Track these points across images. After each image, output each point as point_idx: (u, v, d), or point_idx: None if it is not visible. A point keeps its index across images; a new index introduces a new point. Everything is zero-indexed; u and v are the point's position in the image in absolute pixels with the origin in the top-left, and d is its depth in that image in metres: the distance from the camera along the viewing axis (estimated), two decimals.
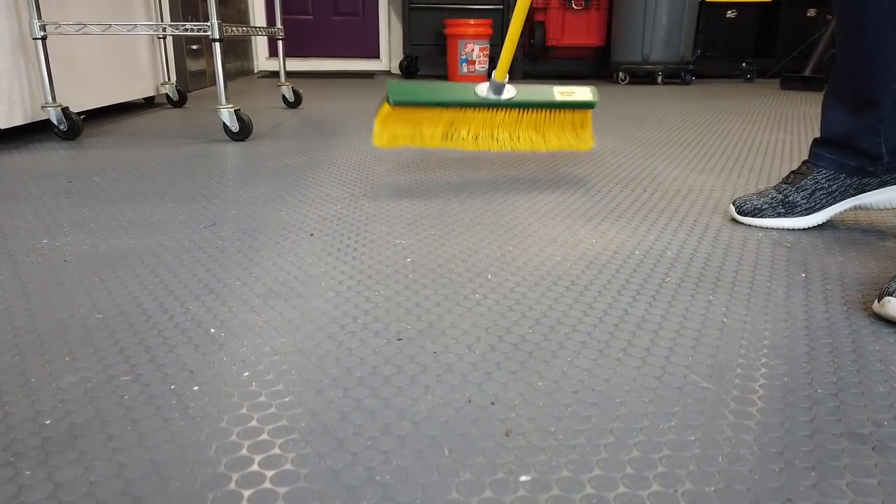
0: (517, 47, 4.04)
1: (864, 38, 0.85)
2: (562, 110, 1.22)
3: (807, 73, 3.36)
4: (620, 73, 3.69)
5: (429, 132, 1.18)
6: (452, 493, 0.40)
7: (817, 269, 0.79)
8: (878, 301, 0.65)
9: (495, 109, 1.19)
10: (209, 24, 1.58)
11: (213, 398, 0.50)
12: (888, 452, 0.44)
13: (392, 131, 1.17)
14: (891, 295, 0.64)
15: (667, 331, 0.62)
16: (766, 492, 0.40)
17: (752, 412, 0.48)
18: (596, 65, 4.13)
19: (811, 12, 3.98)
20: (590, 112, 1.24)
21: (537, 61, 4.10)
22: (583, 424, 0.47)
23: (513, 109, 1.19)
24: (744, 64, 3.97)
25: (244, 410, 0.48)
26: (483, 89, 1.16)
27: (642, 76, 3.73)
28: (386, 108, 1.15)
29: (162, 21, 2.35)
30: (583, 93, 1.22)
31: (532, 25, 3.96)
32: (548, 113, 1.22)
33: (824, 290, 0.72)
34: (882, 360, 0.57)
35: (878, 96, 0.86)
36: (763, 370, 0.55)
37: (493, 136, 1.20)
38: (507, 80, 1.16)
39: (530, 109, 1.20)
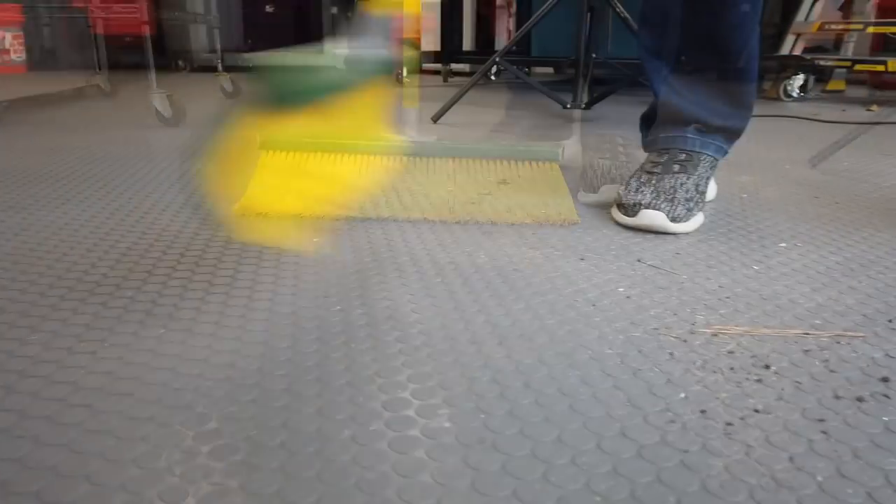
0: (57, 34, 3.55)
1: None
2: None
3: None
4: (180, 62, 3.81)
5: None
6: None
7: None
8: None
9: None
10: (136, 5, 1.59)
11: None
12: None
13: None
14: (616, 206, 0.85)
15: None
16: (362, 378, 0.47)
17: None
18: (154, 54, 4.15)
19: (334, 11, 4.24)
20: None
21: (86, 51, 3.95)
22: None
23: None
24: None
25: None
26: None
27: (202, 64, 3.82)
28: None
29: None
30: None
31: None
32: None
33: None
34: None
35: None
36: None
37: None
38: None
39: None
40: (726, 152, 0.91)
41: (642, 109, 0.96)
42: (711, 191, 0.96)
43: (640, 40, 0.91)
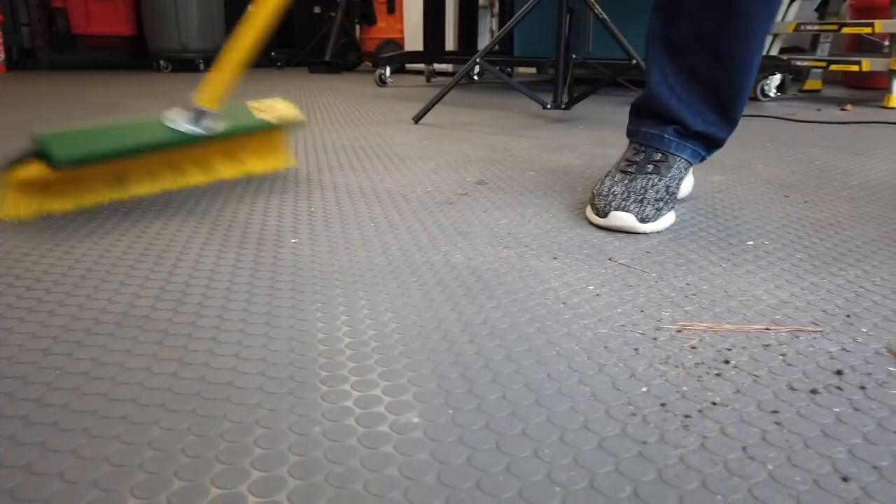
0: (36, 34, 3.64)
1: None
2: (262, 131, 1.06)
3: (327, 59, 3.92)
4: (161, 62, 3.84)
5: (103, 185, 0.92)
6: None
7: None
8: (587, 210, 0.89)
9: (191, 144, 0.93)
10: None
11: None
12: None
13: (44, 196, 0.86)
14: (590, 205, 0.87)
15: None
16: (335, 376, 0.48)
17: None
18: (133, 54, 4.21)
19: (317, 9, 4.53)
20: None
21: (65, 52, 3.94)
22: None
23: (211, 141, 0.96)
24: (272, 53, 4.43)
25: None
26: (179, 118, 0.90)
27: (184, 64, 3.88)
28: (34, 170, 0.81)
29: None
30: (286, 109, 1.08)
31: (51, 12, 3.84)
32: (248, 136, 1.05)
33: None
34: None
35: None
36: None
37: (180, 171, 1.00)
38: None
39: (230, 137, 1.00)
40: (703, 158, 0.92)
41: (622, 109, 0.97)
42: (687, 187, 0.98)
43: (650, 24, 0.90)
